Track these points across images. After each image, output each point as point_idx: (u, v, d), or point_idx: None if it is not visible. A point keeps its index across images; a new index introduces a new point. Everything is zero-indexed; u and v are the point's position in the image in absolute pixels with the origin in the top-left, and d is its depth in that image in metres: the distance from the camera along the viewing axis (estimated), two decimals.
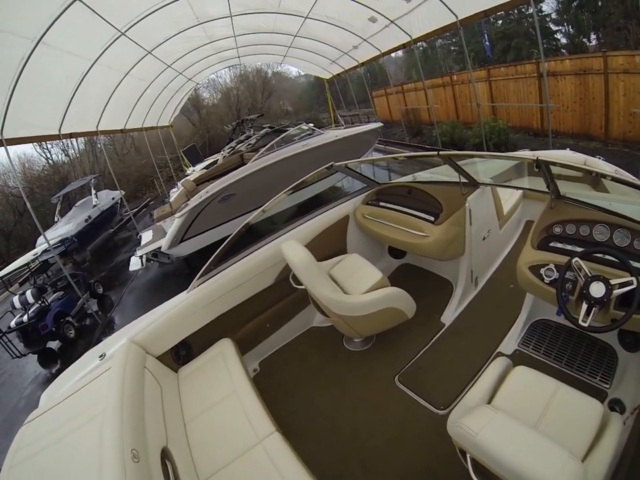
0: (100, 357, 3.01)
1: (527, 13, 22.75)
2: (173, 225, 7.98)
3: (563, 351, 3.25)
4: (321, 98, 26.92)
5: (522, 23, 22.92)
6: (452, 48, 28.51)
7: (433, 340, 3.78)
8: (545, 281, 2.69)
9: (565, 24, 21.63)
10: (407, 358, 3.62)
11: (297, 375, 3.75)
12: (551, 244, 2.88)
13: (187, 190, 9.89)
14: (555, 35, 22.28)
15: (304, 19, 11.76)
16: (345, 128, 11.29)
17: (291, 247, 3.30)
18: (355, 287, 3.63)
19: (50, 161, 24.71)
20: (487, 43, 12.06)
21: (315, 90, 34.58)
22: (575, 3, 20.59)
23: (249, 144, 12.18)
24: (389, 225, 4.22)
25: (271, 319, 4.03)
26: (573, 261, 2.47)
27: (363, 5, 10.37)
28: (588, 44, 20.60)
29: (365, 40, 13.20)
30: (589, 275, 2.39)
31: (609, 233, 2.65)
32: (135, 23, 8.72)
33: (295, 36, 13.71)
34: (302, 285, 3.40)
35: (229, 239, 3.52)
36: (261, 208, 3.79)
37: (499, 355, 3.34)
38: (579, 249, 2.65)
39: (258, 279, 3.84)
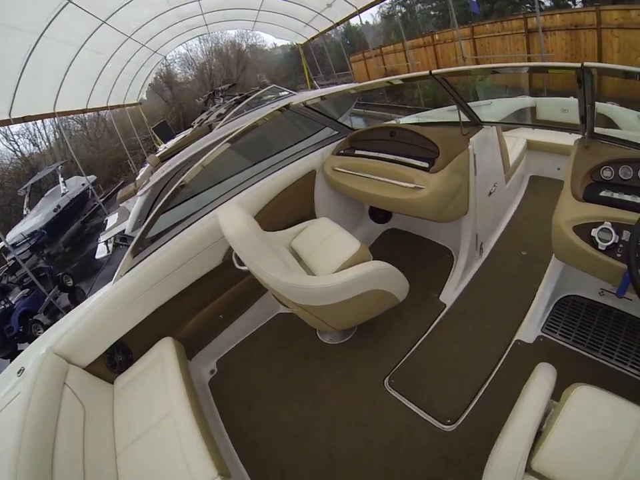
0: (18, 372, 2.32)
1: None
2: (135, 205, 7.39)
3: (599, 337, 2.51)
4: (298, 68, 25.82)
5: None
6: (432, 13, 27.60)
7: (432, 327, 3.01)
8: (600, 247, 1.90)
9: None
10: (398, 352, 2.85)
11: (260, 378, 3.02)
12: (603, 193, 2.06)
13: (152, 166, 8.97)
14: None
15: None
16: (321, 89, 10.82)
17: (228, 213, 2.39)
18: (324, 264, 2.73)
19: (18, 153, 23.61)
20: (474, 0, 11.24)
21: (291, 60, 33.05)
22: None
23: (219, 114, 11.45)
24: (369, 178, 3.24)
25: (225, 307, 3.24)
26: None
27: None
28: (573, 5, 19.85)
29: None
30: None
31: None
32: None
33: None
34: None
35: (158, 207, 2.65)
36: (199, 162, 2.80)
37: (518, 344, 2.66)
38: None
39: (201, 259, 2.99)
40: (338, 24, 15.46)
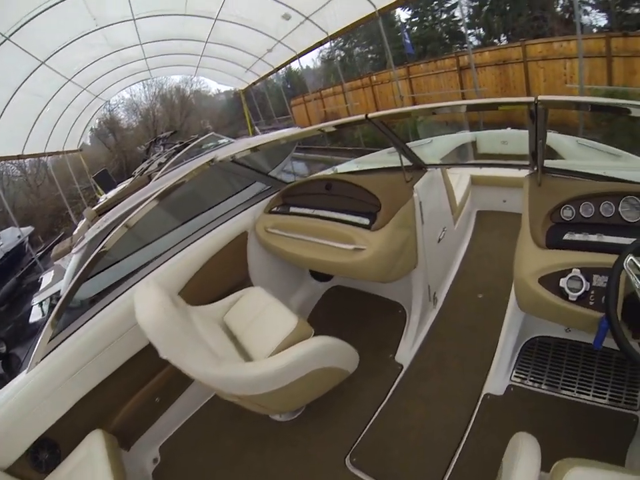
0: None
1: (440, 18, 23.61)
2: (70, 263, 6.94)
3: (572, 375, 2.36)
4: (241, 113, 25.68)
5: (435, 28, 23.69)
6: (369, 55, 28.91)
7: (391, 391, 2.67)
8: (571, 298, 1.69)
9: (476, 27, 22.44)
10: (358, 425, 2.52)
11: (209, 464, 2.63)
12: (566, 237, 1.89)
13: (88, 220, 8.43)
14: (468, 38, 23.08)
15: (214, 20, 11.02)
16: (260, 136, 10.84)
17: (142, 298, 1.99)
18: (260, 344, 2.40)
19: None
20: (408, 41, 11.93)
21: (234, 106, 32.99)
22: (485, 8, 21.59)
23: (160, 162, 11.27)
24: (304, 240, 2.85)
25: (160, 389, 2.81)
26: (627, 260, 1.50)
27: (276, 0, 9.78)
28: (498, 44, 21.40)
29: (279, 41, 12.60)
30: None
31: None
32: (21, 26, 7.69)
33: (206, 42, 12.94)
34: None
35: (75, 278, 2.28)
36: (124, 222, 2.47)
37: (487, 397, 2.42)
38: (612, 238, 1.78)
39: (125, 341, 2.56)
40: (278, 69, 15.67)
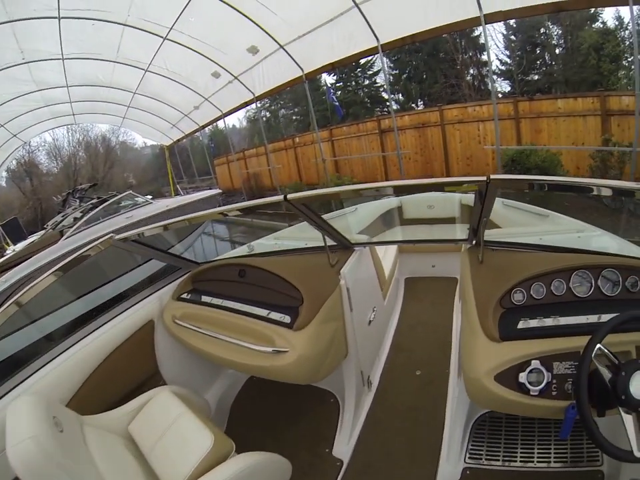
0: None
1: (362, 84, 24.96)
2: None
3: (529, 445, 2.18)
4: (165, 170, 25.04)
5: (358, 93, 25.00)
6: (294, 117, 29.80)
7: None
8: (532, 393, 1.54)
9: (395, 93, 24.05)
10: None
11: None
12: (521, 324, 1.70)
13: None
14: (387, 103, 24.59)
15: (144, 71, 10.95)
16: (180, 197, 10.51)
17: (13, 420, 1.56)
18: (171, 466, 1.89)
19: None
20: (336, 103, 12.35)
21: (159, 161, 30.29)
22: (404, 76, 23.39)
23: (74, 217, 10.73)
24: (217, 338, 2.37)
25: None
26: (596, 348, 1.40)
27: (207, 57, 9.86)
28: (416, 108, 23.05)
29: (206, 99, 12.58)
30: (616, 361, 1.39)
31: (591, 280, 1.73)
32: None
33: (135, 93, 12.72)
34: None
35: None
36: (14, 299, 2.12)
37: None
38: (568, 319, 1.66)
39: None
40: (203, 127, 15.52)
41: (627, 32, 17.94)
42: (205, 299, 2.70)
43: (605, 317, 1.59)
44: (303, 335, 2.15)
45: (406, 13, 6.60)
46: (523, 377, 1.55)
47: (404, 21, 6.78)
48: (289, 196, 1.90)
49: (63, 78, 10.94)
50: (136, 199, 9.38)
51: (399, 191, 2.13)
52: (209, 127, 17.08)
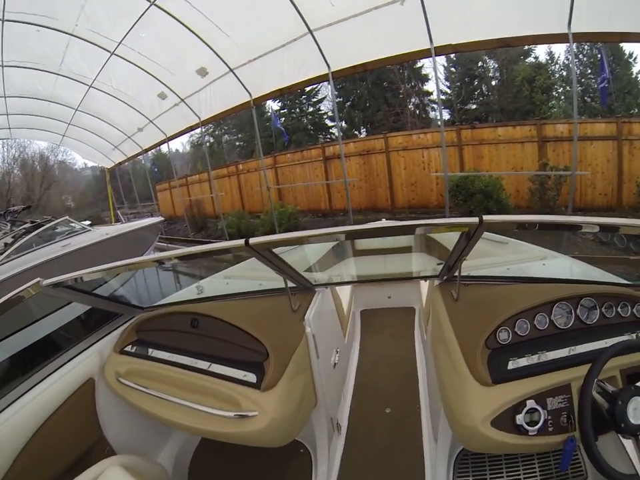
0: None
1: (307, 111, 25.42)
2: None
3: (514, 473, 2.09)
4: (105, 193, 23.61)
5: (302, 120, 25.41)
6: (237, 143, 29.83)
7: None
8: (531, 433, 1.51)
9: (340, 120, 24.46)
10: None
11: None
12: (510, 365, 1.64)
13: None
14: (331, 130, 25.55)
15: (88, 87, 10.37)
16: (121, 224, 9.93)
17: None
18: None
19: None
20: (282, 129, 12.29)
21: (100, 184, 29.30)
22: (348, 103, 24.21)
23: (5, 243, 9.82)
24: (169, 400, 1.97)
25: None
26: (594, 388, 1.42)
27: (154, 77, 9.49)
28: (359, 135, 23.89)
29: (151, 121, 12.01)
30: (610, 390, 1.42)
31: (571, 310, 1.73)
32: None
33: (77, 110, 12.03)
34: None
35: None
36: None
37: None
38: (554, 353, 1.64)
39: None
40: (146, 150, 14.70)
41: (557, 66, 20.60)
42: (152, 352, 2.28)
43: (588, 347, 1.64)
44: (272, 395, 1.86)
45: (358, 41, 6.71)
46: (520, 418, 1.51)
47: (356, 49, 6.89)
48: (251, 241, 1.71)
49: (0, 86, 10.25)
50: (73, 225, 8.58)
51: (379, 234, 1.87)
52: (152, 150, 16.30)
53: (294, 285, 2.36)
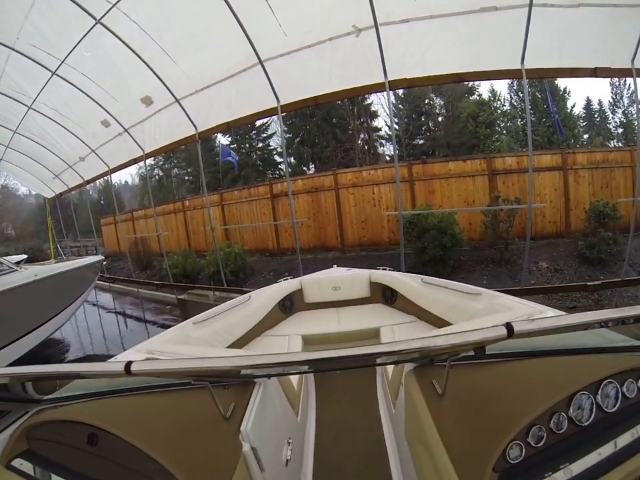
0: None
1: (256, 147, 25.35)
2: None
3: None
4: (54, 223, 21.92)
5: (251, 155, 25.34)
6: (186, 177, 29.38)
7: None
8: None
9: (289, 156, 24.75)
10: None
11: None
12: None
13: None
14: (280, 166, 25.61)
15: (28, 108, 9.49)
16: (56, 262, 8.71)
17: None
18: None
19: None
20: (232, 159, 11.63)
21: (43, 213, 28.60)
22: (297, 139, 24.31)
23: None
24: None
25: None
26: None
27: (97, 103, 8.79)
28: (308, 171, 24.17)
29: (93, 151, 11.16)
30: None
31: (591, 398, 1.30)
32: None
33: (15, 132, 11.00)
34: None
35: None
36: None
37: None
38: (583, 463, 1.21)
39: None
40: (88, 182, 13.67)
41: (498, 102, 22.79)
42: (48, 471, 1.54)
43: (618, 442, 1.26)
44: None
45: (310, 73, 6.51)
46: None
47: (307, 81, 6.69)
48: (132, 367, 1.25)
49: None
50: None
51: (344, 365, 1.66)
52: (99, 180, 15.34)
53: (221, 382, 1.77)
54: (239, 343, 3.47)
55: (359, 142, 22.92)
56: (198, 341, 2.94)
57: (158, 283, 11.58)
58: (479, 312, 2.93)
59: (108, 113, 9.04)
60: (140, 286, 12.15)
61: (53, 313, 7.01)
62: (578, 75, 5.67)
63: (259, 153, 25.84)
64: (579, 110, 24.07)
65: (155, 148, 9.87)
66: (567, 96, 21.66)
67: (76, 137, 10.46)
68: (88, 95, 8.55)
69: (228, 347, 3.22)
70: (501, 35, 5.31)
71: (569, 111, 21.52)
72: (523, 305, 2.58)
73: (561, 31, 5.23)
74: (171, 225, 16.00)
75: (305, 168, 24.66)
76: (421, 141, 23.80)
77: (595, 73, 5.42)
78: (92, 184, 15.34)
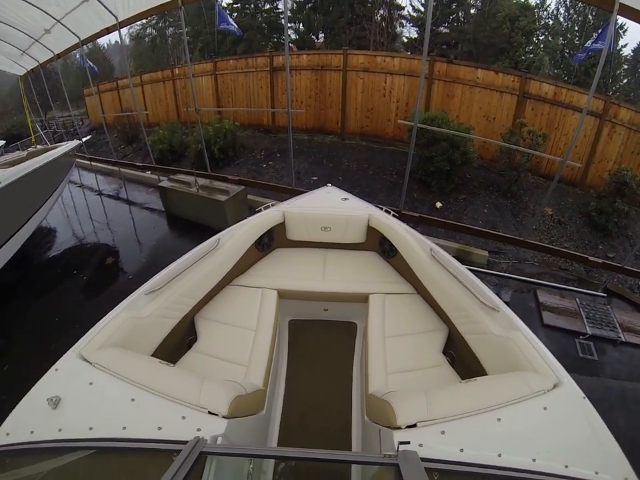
0: None
1: (263, 8, 22.90)
2: None
3: None
4: (39, 97, 19.98)
5: (256, 17, 22.97)
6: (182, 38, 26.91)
7: None
8: None
9: (296, 22, 22.78)
10: None
11: None
12: None
13: None
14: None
15: None
16: (32, 150, 7.93)
17: None
18: None
19: None
20: (236, 27, 9.97)
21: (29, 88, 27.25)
22: (309, 5, 21.81)
23: None
24: None
25: None
26: None
27: None
28: (316, 41, 22.40)
29: (58, 21, 9.36)
30: None
31: None
32: None
33: None
34: None
35: None
36: None
37: None
38: None
39: None
40: (59, 56, 12.24)
41: (545, 13, 20.49)
42: None
43: None
44: None
45: None
46: None
47: None
48: None
49: None
50: None
51: None
52: (86, 45, 13.69)
53: None
54: (204, 300, 3.10)
55: (377, 17, 20.20)
56: (150, 319, 2.47)
57: (139, 164, 10.73)
58: (489, 339, 2.26)
59: None
60: (122, 167, 11.19)
61: (26, 215, 6.32)
62: None
63: (265, 15, 23.32)
64: (627, 52, 22.21)
65: (131, 15, 8.34)
66: (621, 34, 19.39)
67: (37, 7, 8.67)
68: None
69: (189, 311, 2.89)
70: None
71: (618, 49, 19.64)
72: (540, 358, 1.92)
73: None
74: (160, 94, 14.62)
75: (313, 36, 22.54)
76: (446, 30, 21.28)
77: None
78: (80, 49, 13.57)
